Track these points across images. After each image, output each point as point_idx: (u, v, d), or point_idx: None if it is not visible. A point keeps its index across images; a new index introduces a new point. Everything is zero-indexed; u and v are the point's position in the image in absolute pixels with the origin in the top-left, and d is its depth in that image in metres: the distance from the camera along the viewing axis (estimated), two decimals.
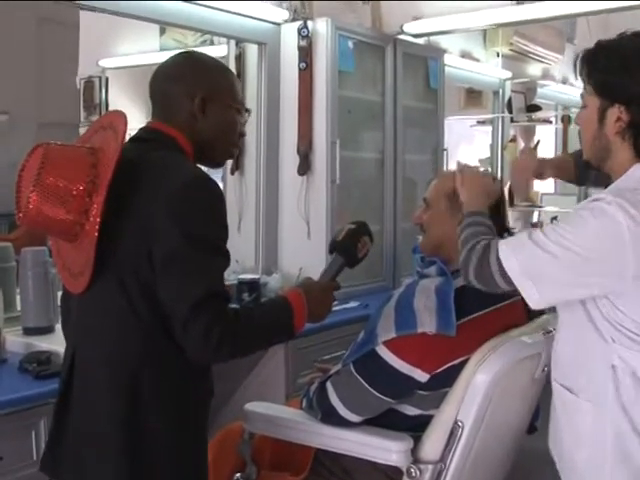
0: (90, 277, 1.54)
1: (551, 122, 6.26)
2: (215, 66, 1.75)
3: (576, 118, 1.75)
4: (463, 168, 1.96)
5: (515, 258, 1.59)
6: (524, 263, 1.58)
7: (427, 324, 1.74)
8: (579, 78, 1.72)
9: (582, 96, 1.70)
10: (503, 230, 1.98)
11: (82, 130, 4.10)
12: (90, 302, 1.59)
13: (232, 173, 3.56)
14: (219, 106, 1.68)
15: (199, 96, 1.65)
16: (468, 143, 5.80)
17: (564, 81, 6.25)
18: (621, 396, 1.58)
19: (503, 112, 5.39)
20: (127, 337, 1.54)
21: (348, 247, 1.87)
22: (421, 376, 1.77)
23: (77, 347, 1.63)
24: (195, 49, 3.85)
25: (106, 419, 1.54)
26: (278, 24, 3.46)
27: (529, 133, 5.80)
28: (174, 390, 1.57)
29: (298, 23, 3.40)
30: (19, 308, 2.59)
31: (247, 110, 1.78)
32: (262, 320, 1.62)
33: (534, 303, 1.60)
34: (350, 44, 3.46)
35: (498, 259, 1.60)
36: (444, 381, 1.79)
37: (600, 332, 1.58)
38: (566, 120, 6.56)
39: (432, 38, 4.19)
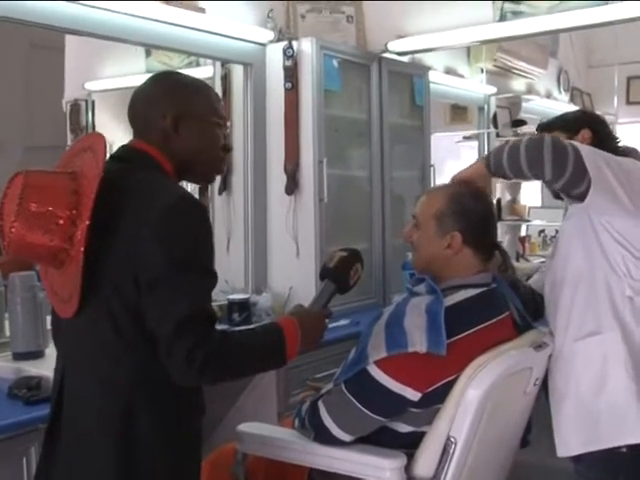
0: (78, 302, 1.53)
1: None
2: (188, 84, 1.75)
3: None
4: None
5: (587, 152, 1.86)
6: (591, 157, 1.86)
7: (418, 343, 1.74)
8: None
9: None
10: (493, 246, 1.99)
11: None
12: (79, 327, 1.59)
13: (220, 193, 3.56)
14: (193, 123, 1.68)
15: (170, 115, 1.65)
16: (455, 159, 5.81)
17: (548, 95, 6.29)
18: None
19: (489, 127, 5.41)
20: (116, 362, 1.54)
21: (340, 275, 1.88)
22: (413, 395, 1.77)
23: (67, 371, 1.62)
24: (180, 70, 3.90)
25: (97, 443, 1.54)
26: (263, 44, 3.48)
27: None
28: (166, 411, 1.57)
29: (283, 43, 3.42)
30: (8, 333, 2.58)
31: (225, 124, 1.77)
32: (252, 345, 1.61)
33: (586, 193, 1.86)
34: (335, 63, 3.49)
35: (575, 148, 1.85)
36: (436, 398, 1.79)
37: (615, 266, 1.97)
38: None
39: (416, 55, 4.21)
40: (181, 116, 1.66)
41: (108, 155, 1.61)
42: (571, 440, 1.97)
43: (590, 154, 1.86)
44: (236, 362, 1.57)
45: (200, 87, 1.77)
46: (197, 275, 1.52)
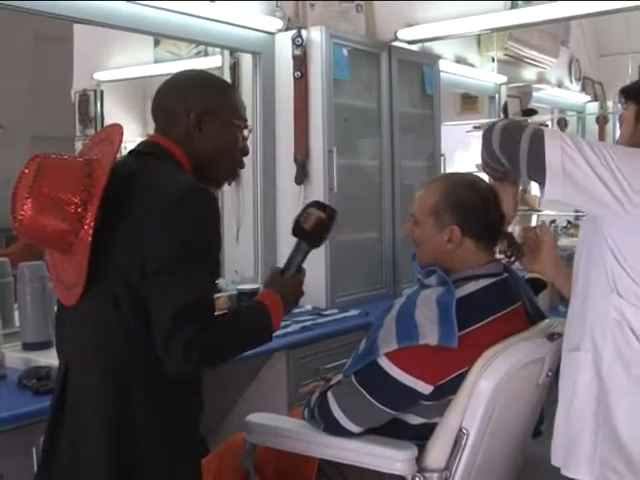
0: (83, 287, 1.53)
1: (547, 125, 6.26)
2: (214, 83, 1.76)
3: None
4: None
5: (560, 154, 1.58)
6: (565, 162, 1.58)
7: (429, 336, 1.73)
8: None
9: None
10: (496, 232, 1.95)
11: (77, 144, 4.11)
12: (83, 314, 1.58)
13: (229, 184, 3.53)
14: (216, 123, 1.68)
15: (195, 112, 1.65)
16: (464, 149, 5.78)
17: (559, 84, 6.25)
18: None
19: (499, 117, 5.38)
20: (117, 350, 1.54)
21: (317, 238, 1.79)
22: (424, 388, 1.76)
23: (70, 361, 1.61)
24: (189, 60, 3.89)
25: (97, 433, 1.53)
26: (272, 33, 3.46)
27: None
28: (165, 404, 1.56)
29: (292, 32, 3.39)
30: (17, 323, 2.58)
31: (247, 127, 1.77)
32: (241, 329, 1.61)
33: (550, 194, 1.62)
34: (345, 52, 3.46)
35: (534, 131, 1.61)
36: (448, 390, 1.78)
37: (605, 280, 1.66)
38: (562, 123, 6.57)
39: (426, 44, 4.18)
40: (206, 114, 1.66)
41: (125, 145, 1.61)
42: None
43: (557, 139, 1.59)
44: (229, 348, 1.58)
45: (226, 88, 1.79)
46: (201, 264, 1.51)
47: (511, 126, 1.69)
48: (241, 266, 3.41)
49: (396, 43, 3.84)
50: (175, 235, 1.49)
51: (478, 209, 1.89)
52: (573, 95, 6.50)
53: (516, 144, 1.64)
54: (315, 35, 3.37)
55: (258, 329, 1.64)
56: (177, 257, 1.48)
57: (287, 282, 1.77)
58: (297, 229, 1.80)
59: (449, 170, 4.21)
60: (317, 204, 1.82)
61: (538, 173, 1.61)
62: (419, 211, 1.96)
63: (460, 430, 1.77)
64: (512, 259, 1.98)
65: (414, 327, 1.75)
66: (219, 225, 1.59)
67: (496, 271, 1.90)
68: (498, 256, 2.00)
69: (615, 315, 1.64)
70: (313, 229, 1.77)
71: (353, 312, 3.24)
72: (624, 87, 1.87)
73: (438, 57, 4.21)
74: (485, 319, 1.80)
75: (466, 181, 1.94)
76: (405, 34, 3.83)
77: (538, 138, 1.61)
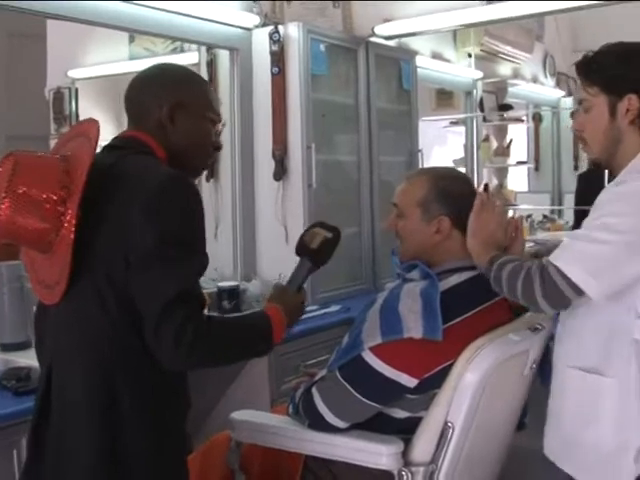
0: (66, 284, 1.50)
1: (523, 121, 6.31)
2: (187, 76, 1.75)
3: (576, 124, 1.83)
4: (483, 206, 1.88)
5: (579, 265, 1.62)
6: (588, 265, 1.62)
7: (413, 329, 1.72)
8: (578, 83, 1.81)
9: (580, 102, 1.80)
10: None
11: (52, 142, 4.05)
12: (66, 312, 1.56)
13: (207, 180, 3.52)
14: (190, 116, 1.67)
15: (167, 105, 1.64)
16: (441, 144, 5.81)
17: (534, 80, 6.29)
18: None
19: (476, 112, 5.39)
20: (103, 347, 1.51)
21: (322, 257, 1.83)
22: (409, 381, 1.75)
23: (54, 360, 1.58)
24: (165, 57, 3.84)
25: (86, 432, 1.51)
26: (249, 29, 3.44)
27: (502, 132, 5.83)
28: (151, 401, 1.54)
29: (269, 28, 3.38)
30: None
31: (220, 121, 1.76)
32: (239, 331, 1.61)
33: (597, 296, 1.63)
34: (322, 47, 3.45)
35: (562, 275, 1.62)
36: (432, 384, 1.78)
37: (628, 306, 1.66)
38: (537, 118, 6.62)
39: (403, 40, 4.18)
40: (178, 107, 1.65)
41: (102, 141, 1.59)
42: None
43: (576, 254, 1.64)
44: (223, 346, 1.56)
45: (199, 81, 1.78)
46: (186, 255, 1.50)
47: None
48: (220, 263, 3.38)
49: (373, 39, 3.83)
50: (160, 225, 1.47)
51: (468, 200, 1.88)
52: (548, 90, 6.54)
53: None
54: (292, 31, 3.35)
55: (258, 336, 1.64)
56: (163, 247, 1.46)
57: (291, 298, 1.77)
58: (302, 248, 1.82)
59: (427, 166, 4.21)
60: (322, 224, 1.85)
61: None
62: (404, 203, 1.94)
63: (445, 424, 1.76)
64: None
65: (398, 321, 1.74)
66: (203, 215, 1.57)
67: None
68: None
69: (638, 337, 1.66)
70: (319, 248, 1.80)
71: (334, 308, 3.23)
72: (581, 62, 1.79)
73: (415, 53, 4.21)
74: (469, 311, 1.80)
75: (453, 173, 1.94)
76: (382, 30, 3.82)
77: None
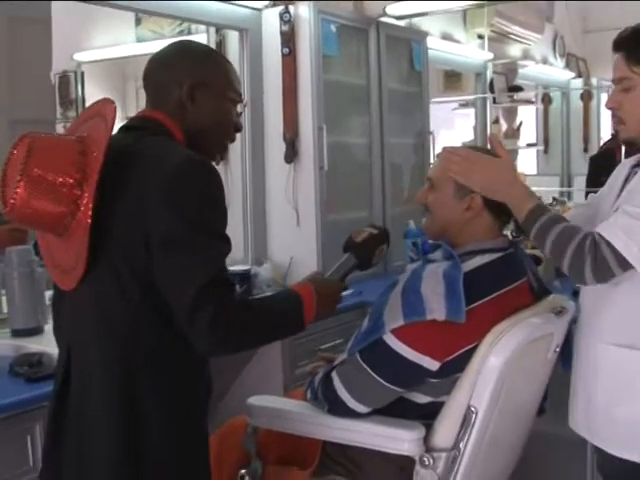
0: (84, 269, 1.47)
1: (533, 102, 6.25)
2: (208, 54, 1.70)
3: (612, 102, 1.80)
4: (453, 152, 1.86)
5: (632, 241, 1.62)
6: (638, 240, 1.62)
7: (436, 311, 1.68)
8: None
9: (619, 80, 1.77)
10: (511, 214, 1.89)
11: (58, 126, 4.02)
12: (83, 298, 1.52)
13: (217, 163, 3.47)
14: (210, 95, 1.62)
15: (188, 83, 1.59)
16: (449, 127, 5.77)
17: (544, 61, 6.24)
18: None
19: (487, 93, 5.34)
20: (122, 333, 1.48)
21: (366, 252, 1.84)
22: (431, 364, 1.72)
23: (72, 346, 1.56)
24: (173, 39, 3.79)
25: (106, 419, 1.48)
26: (259, 9, 3.39)
27: (511, 114, 5.78)
28: (172, 387, 1.51)
29: (279, 8, 3.33)
30: (6, 310, 2.51)
31: (242, 101, 1.72)
32: (272, 311, 1.57)
33: None
34: (333, 28, 3.40)
35: (614, 250, 1.62)
36: (455, 367, 1.74)
37: None
38: (547, 99, 6.57)
39: (413, 21, 4.14)
40: (199, 86, 1.60)
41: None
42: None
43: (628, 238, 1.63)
44: (258, 328, 1.53)
45: (221, 59, 1.72)
46: (213, 238, 1.47)
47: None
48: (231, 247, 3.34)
49: (384, 19, 3.78)
50: (181, 208, 1.43)
51: None
52: (557, 71, 6.49)
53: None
54: (303, 11, 3.30)
55: (289, 315, 1.61)
56: (186, 231, 1.43)
57: (327, 282, 1.76)
58: (348, 243, 1.85)
59: (437, 149, 4.17)
60: (372, 225, 1.89)
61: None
62: (439, 176, 1.89)
63: (468, 408, 1.72)
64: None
65: (420, 302, 1.70)
66: (224, 198, 1.53)
67: (502, 246, 1.85)
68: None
69: None
70: (362, 242, 1.83)
71: (346, 292, 3.18)
72: (626, 38, 1.76)
73: (426, 33, 4.17)
74: (492, 294, 1.76)
75: (491, 152, 1.89)
76: (393, 9, 3.78)
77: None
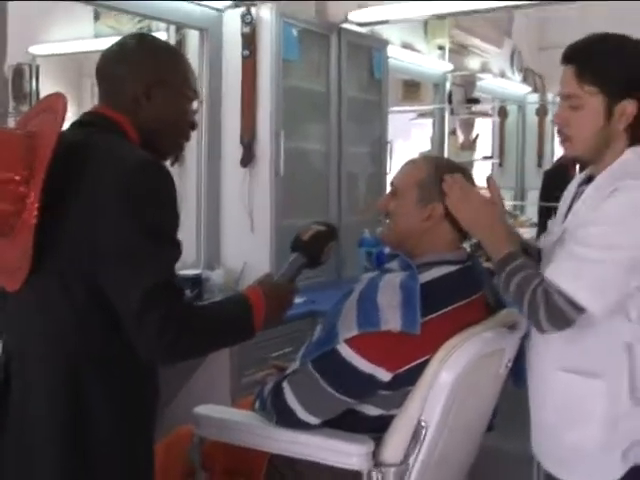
0: (28, 270, 1.42)
1: (490, 115, 6.31)
2: (165, 50, 1.66)
3: (559, 119, 1.73)
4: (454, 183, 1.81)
5: (582, 283, 1.59)
6: (591, 285, 1.58)
7: (391, 322, 1.66)
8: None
9: (567, 96, 1.69)
10: None
11: (10, 120, 3.92)
12: (28, 299, 1.48)
13: (172, 164, 3.41)
14: (166, 92, 1.59)
15: (144, 80, 1.55)
16: (406, 137, 5.77)
17: (502, 75, 6.30)
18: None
19: (445, 105, 5.37)
20: (65, 333, 1.45)
21: (313, 250, 1.79)
22: (384, 375, 1.69)
23: (16, 349, 1.51)
24: None
25: (46, 422, 1.45)
26: (220, 10, 3.35)
27: (468, 126, 5.82)
28: (118, 390, 1.48)
29: (241, 9, 3.29)
30: None
31: (198, 98, 1.68)
32: (220, 318, 1.54)
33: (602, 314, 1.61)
34: (294, 32, 3.38)
35: (566, 297, 1.58)
36: (407, 380, 1.72)
37: (620, 310, 1.63)
38: (503, 113, 6.63)
39: (375, 29, 4.14)
40: (156, 82, 1.56)
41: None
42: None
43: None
44: (206, 336, 1.50)
45: (178, 56, 1.69)
46: (162, 244, 1.43)
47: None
48: (183, 250, 3.29)
49: (346, 25, 3.77)
50: (131, 211, 1.40)
51: None
52: (514, 86, 6.56)
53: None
54: (265, 13, 3.28)
55: (238, 321, 1.57)
56: (135, 235, 1.40)
57: (276, 284, 1.71)
58: (296, 242, 1.81)
59: (395, 158, 4.16)
60: (319, 222, 1.86)
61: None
62: (403, 183, 1.88)
63: (419, 423, 1.71)
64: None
65: (376, 312, 1.68)
66: (176, 201, 1.50)
67: (461, 258, 1.84)
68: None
69: (629, 340, 1.64)
70: (309, 240, 1.78)
71: (298, 300, 3.14)
72: (576, 54, 1.67)
73: (387, 42, 4.17)
74: (447, 307, 1.74)
75: (455, 164, 1.88)
76: (356, 16, 3.78)
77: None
